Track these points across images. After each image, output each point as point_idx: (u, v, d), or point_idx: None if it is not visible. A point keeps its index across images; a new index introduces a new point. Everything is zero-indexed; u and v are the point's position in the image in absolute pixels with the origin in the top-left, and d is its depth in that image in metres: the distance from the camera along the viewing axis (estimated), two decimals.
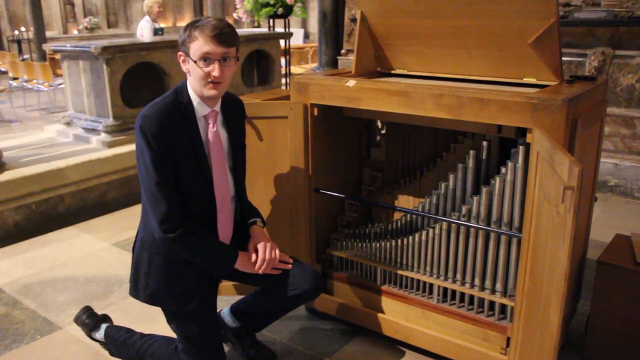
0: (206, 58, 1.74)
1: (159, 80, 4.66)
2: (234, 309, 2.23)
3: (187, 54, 1.77)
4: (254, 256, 1.92)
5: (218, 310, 2.17)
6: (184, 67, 1.81)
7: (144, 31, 6.52)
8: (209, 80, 1.76)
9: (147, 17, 6.58)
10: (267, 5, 6.40)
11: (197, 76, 1.77)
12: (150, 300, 1.94)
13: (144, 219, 1.92)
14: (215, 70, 1.74)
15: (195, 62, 1.74)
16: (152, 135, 1.72)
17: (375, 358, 2.29)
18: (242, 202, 2.04)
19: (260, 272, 1.91)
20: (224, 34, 1.73)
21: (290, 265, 1.96)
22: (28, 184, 3.62)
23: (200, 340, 1.96)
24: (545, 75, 2.01)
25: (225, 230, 1.97)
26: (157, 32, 6.41)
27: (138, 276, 1.93)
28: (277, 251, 1.95)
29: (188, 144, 1.80)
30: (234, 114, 1.97)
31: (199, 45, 1.73)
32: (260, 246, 1.93)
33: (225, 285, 2.52)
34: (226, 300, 2.38)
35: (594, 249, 2.46)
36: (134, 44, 4.43)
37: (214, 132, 1.86)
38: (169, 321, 1.99)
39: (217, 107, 1.88)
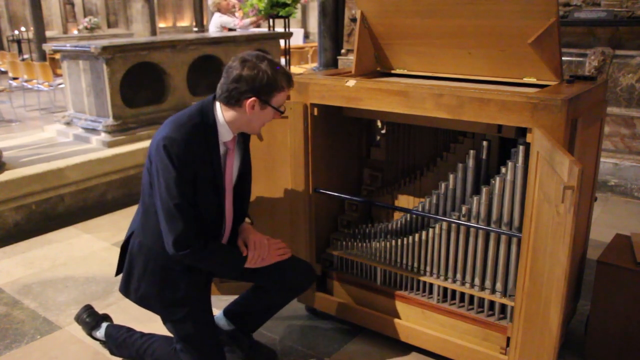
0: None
1: (159, 80, 4.66)
2: (227, 312, 2.24)
3: (268, 102, 1.79)
4: (245, 249, 1.96)
5: None
6: (249, 111, 1.79)
7: (228, 26, 6.35)
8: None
9: (218, 14, 6.41)
10: (284, 5, 6.39)
11: (264, 121, 1.85)
12: (141, 302, 1.97)
13: (144, 223, 1.91)
14: (277, 115, 1.86)
15: (280, 112, 1.84)
16: (178, 158, 1.73)
17: (375, 358, 2.29)
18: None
19: (254, 265, 1.95)
20: None
21: (285, 256, 2.01)
22: (28, 184, 3.61)
23: (198, 340, 1.97)
24: (545, 75, 2.01)
25: (225, 239, 2.03)
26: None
27: (131, 276, 1.95)
28: (266, 240, 1.99)
29: (208, 167, 1.83)
30: (245, 137, 2.01)
31: (284, 96, 1.84)
32: (250, 243, 1.97)
33: (225, 285, 2.52)
34: (225, 300, 2.38)
35: (594, 249, 2.46)
36: (134, 44, 4.43)
37: (231, 156, 1.91)
38: (165, 322, 2.00)
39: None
